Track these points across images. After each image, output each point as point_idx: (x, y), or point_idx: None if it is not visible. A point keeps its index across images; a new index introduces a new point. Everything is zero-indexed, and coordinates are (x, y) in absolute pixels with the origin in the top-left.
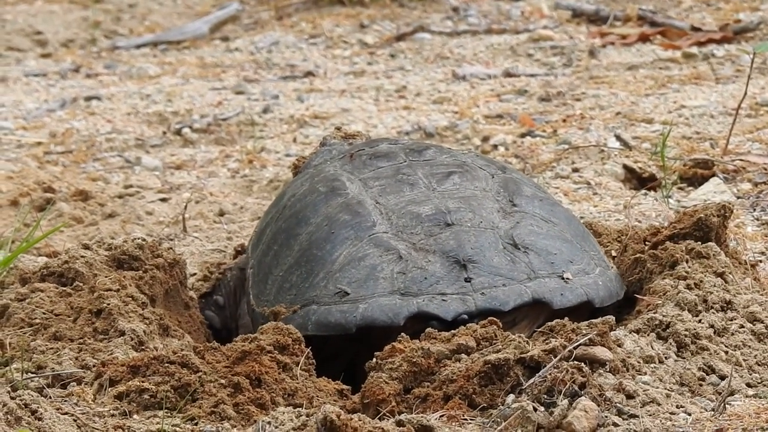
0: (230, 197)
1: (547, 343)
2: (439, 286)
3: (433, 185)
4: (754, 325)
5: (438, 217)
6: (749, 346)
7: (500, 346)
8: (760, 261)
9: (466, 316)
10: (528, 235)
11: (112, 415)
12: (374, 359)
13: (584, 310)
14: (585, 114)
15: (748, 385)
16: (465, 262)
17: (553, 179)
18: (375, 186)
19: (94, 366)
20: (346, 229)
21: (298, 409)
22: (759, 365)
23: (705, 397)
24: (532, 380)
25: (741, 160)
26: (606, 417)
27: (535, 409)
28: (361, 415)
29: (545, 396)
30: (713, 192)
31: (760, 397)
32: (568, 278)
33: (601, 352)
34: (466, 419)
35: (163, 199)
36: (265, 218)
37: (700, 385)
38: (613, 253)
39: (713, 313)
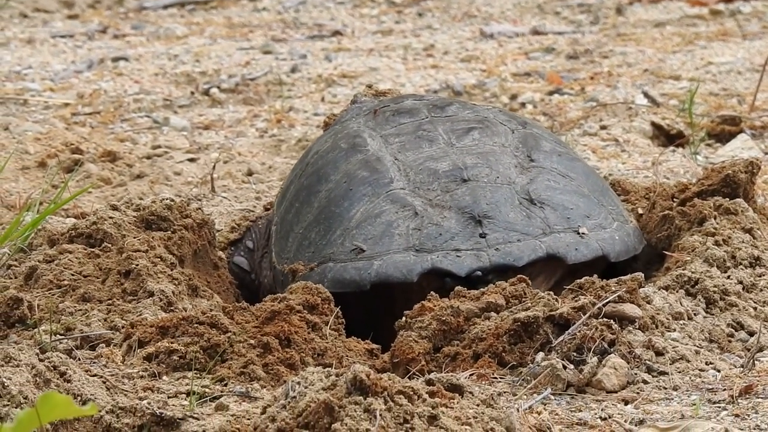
0: (258, 157)
1: (576, 301)
2: (454, 242)
3: (452, 141)
4: None
5: (455, 173)
6: None
7: (529, 304)
8: None
9: (479, 273)
10: (544, 190)
11: (141, 377)
12: (404, 318)
13: (601, 264)
14: (612, 71)
15: None
16: (480, 218)
17: (581, 137)
18: (395, 142)
19: (122, 327)
20: (364, 186)
21: (327, 369)
22: None
23: (734, 353)
24: (561, 338)
25: None
26: (635, 374)
27: (565, 367)
28: (390, 375)
29: (575, 353)
30: (741, 148)
31: None
32: (583, 233)
33: (630, 309)
34: (495, 377)
35: (191, 160)
36: (290, 175)
37: (729, 341)
38: (641, 211)
39: (742, 269)
